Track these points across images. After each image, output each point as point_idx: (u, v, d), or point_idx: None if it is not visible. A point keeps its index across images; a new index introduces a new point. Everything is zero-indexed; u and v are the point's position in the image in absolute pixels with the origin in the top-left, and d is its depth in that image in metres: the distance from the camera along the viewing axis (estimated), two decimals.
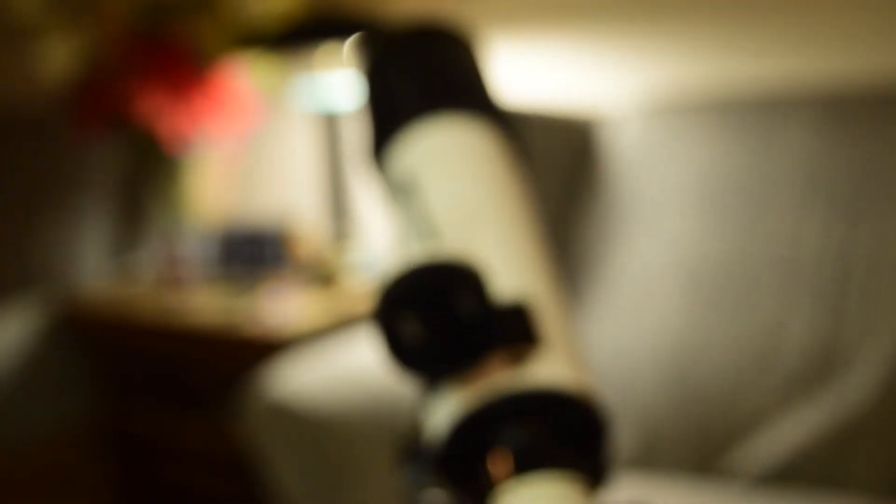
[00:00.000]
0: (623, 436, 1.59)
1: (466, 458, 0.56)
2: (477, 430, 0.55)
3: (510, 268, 0.59)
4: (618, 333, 1.66)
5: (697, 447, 1.58)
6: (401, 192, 0.65)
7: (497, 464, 0.53)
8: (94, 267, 2.15)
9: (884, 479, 1.49)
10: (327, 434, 1.45)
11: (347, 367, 1.57)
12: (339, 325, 1.84)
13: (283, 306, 1.85)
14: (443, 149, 0.66)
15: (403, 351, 0.53)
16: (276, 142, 2.24)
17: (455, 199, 0.63)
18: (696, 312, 1.61)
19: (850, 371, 1.52)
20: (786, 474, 1.53)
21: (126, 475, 2.07)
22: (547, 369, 0.55)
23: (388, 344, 0.53)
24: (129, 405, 2.04)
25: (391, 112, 0.70)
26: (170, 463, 2.00)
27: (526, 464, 0.53)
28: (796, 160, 1.62)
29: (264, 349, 1.75)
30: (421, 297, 0.53)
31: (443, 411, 0.56)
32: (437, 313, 0.53)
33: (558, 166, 1.83)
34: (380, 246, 2.04)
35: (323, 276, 1.97)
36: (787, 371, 1.54)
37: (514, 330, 0.56)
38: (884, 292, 1.54)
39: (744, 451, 1.55)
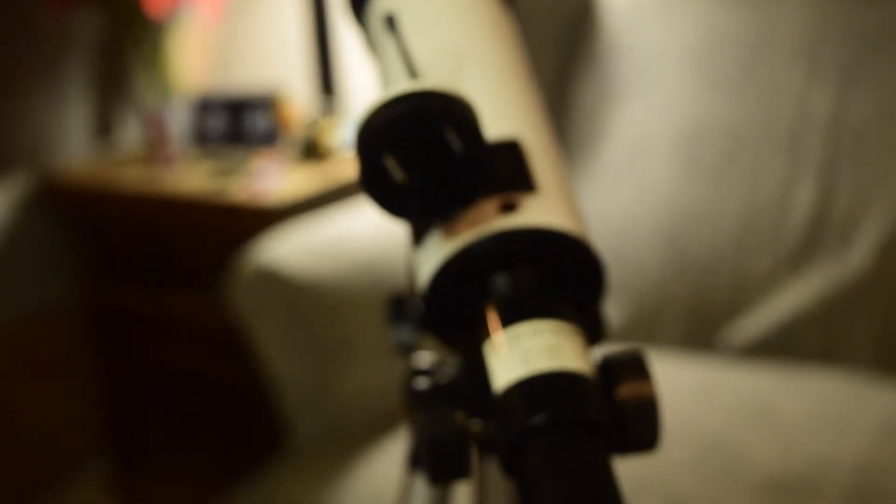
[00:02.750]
0: (612, 304, 1.58)
1: (455, 309, 0.53)
2: (465, 276, 0.52)
3: (499, 110, 0.56)
4: (611, 196, 1.64)
5: (690, 318, 1.57)
6: (382, 37, 0.61)
7: (487, 314, 0.51)
8: (76, 144, 2.11)
9: (875, 351, 1.49)
10: (314, 298, 1.43)
11: (336, 235, 1.55)
12: (328, 198, 1.81)
13: (273, 177, 1.81)
14: None
15: (388, 192, 0.49)
16: (261, 3, 2.17)
17: (438, 37, 0.59)
18: (693, 177, 1.59)
19: (848, 241, 1.51)
20: (779, 347, 1.52)
21: (112, 354, 2.06)
22: (541, 214, 0.52)
23: (371, 185, 0.49)
24: (114, 283, 2.02)
25: None
26: (157, 341, 1.99)
27: (518, 314, 0.50)
28: (798, 20, 1.58)
29: (253, 219, 1.72)
30: (406, 127, 0.48)
31: (431, 260, 0.53)
32: (424, 145, 0.48)
33: (554, 25, 1.78)
34: None
35: (313, 150, 1.93)
36: (790, 240, 1.53)
37: (507, 172, 0.52)
38: (887, 160, 1.51)
39: (739, 323, 1.54)
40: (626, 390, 0.50)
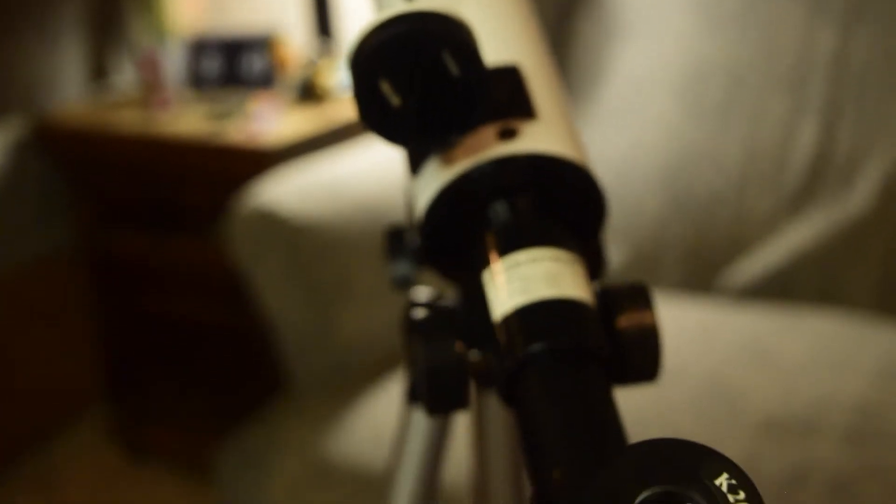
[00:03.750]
0: (611, 246, 1.57)
1: (453, 239, 0.52)
2: (463, 203, 0.51)
3: (498, 35, 0.54)
4: (611, 137, 1.62)
5: (690, 259, 1.56)
6: None
7: (485, 243, 0.50)
8: (71, 88, 2.08)
9: (874, 293, 1.49)
10: (313, 239, 1.42)
11: (335, 177, 1.54)
12: (326, 139, 1.79)
13: (270, 119, 1.80)
14: None
15: (384, 117, 0.47)
16: None
17: None
18: (694, 118, 1.57)
19: (850, 182, 1.49)
20: (779, 289, 1.52)
21: (111, 300, 2.06)
22: (541, 141, 0.51)
23: (366, 110, 0.47)
24: (112, 229, 2.01)
25: None
26: (156, 286, 1.98)
27: (516, 242, 0.48)
28: None
29: (250, 161, 1.71)
30: (401, 49, 0.46)
31: (428, 188, 0.52)
32: (420, 69, 0.46)
33: None
34: None
35: (310, 92, 1.91)
36: (792, 182, 1.52)
37: (505, 98, 0.51)
38: (890, 100, 1.50)
39: (740, 264, 1.54)
40: (627, 319, 0.49)
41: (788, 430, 1.20)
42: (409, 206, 0.57)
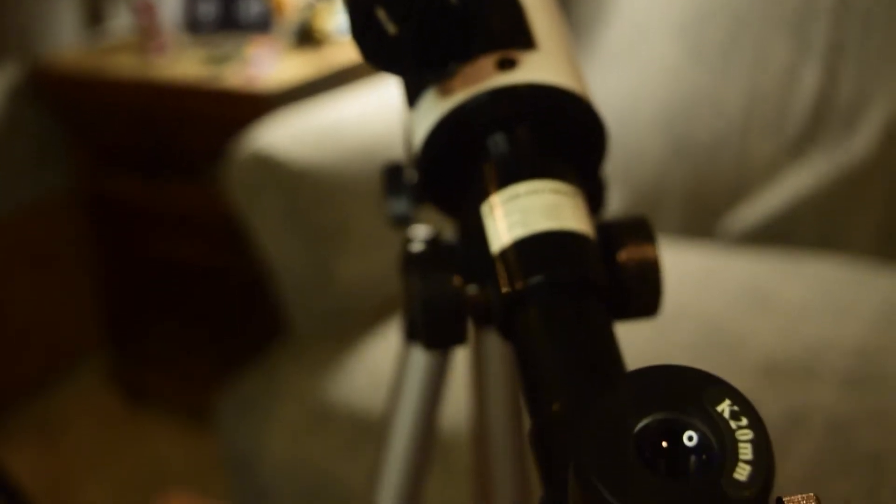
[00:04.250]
0: (612, 191, 1.57)
1: (451, 172, 0.51)
2: (461, 135, 0.50)
3: None
4: (612, 81, 1.61)
5: (691, 204, 1.56)
6: None
7: (484, 176, 0.49)
8: (66, 33, 2.06)
9: (875, 238, 1.48)
10: (311, 183, 1.41)
11: (333, 121, 1.52)
12: (325, 83, 1.77)
13: (268, 64, 1.78)
14: None
15: (380, 46, 0.46)
16: None
17: None
18: (695, 61, 1.56)
19: (852, 127, 1.48)
20: (780, 234, 1.51)
21: (109, 245, 2.05)
22: (541, 71, 0.50)
23: (362, 38, 0.46)
24: (110, 174, 2.00)
25: None
26: (154, 232, 1.98)
27: (516, 174, 0.47)
28: None
29: (248, 106, 1.69)
30: None
31: (426, 120, 0.51)
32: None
33: None
34: None
35: (308, 36, 1.89)
36: (794, 126, 1.50)
37: (505, 28, 0.50)
38: (894, 43, 1.48)
39: (741, 210, 1.53)
40: (628, 253, 0.48)
41: (788, 374, 1.20)
42: (407, 140, 0.56)
